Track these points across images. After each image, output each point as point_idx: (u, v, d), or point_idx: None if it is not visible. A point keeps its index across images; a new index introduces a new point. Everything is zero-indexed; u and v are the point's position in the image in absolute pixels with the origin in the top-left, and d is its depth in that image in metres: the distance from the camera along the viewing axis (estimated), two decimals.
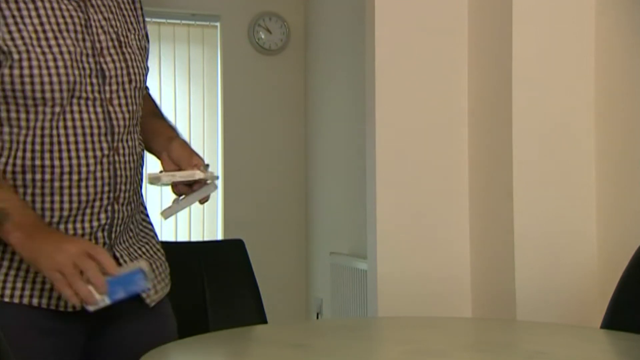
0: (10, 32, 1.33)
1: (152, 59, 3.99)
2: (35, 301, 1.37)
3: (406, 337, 1.54)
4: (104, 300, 1.25)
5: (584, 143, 2.20)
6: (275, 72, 4.22)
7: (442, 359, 1.33)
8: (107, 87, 1.44)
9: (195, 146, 4.06)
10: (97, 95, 1.42)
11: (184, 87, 4.07)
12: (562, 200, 2.18)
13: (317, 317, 3.92)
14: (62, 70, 1.36)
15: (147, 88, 1.66)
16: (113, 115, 1.45)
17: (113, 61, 1.45)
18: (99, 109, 1.43)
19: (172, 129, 1.62)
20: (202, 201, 1.46)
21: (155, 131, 1.60)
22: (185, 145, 1.53)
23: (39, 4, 1.36)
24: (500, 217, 2.22)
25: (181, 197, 1.47)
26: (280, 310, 3.42)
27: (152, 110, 1.65)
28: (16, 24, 1.34)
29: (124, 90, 1.47)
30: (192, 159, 1.47)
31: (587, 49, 2.19)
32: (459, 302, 2.38)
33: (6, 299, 1.36)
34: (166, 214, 1.44)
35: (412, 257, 2.38)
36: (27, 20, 1.35)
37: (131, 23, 1.53)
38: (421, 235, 2.39)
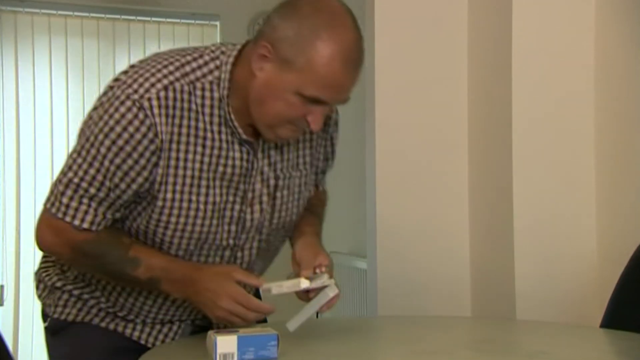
0: (167, 175, 1.32)
1: None
2: (111, 326, 1.48)
3: (406, 336, 1.54)
4: (232, 357, 1.23)
5: (583, 140, 2.20)
6: None
7: (442, 358, 1.33)
8: (243, 235, 1.42)
9: None
10: (230, 242, 1.41)
11: None
12: (561, 198, 2.18)
13: (317, 316, 3.92)
14: (199, 221, 1.36)
15: (322, 186, 1.66)
16: (239, 261, 1.45)
17: (261, 210, 1.42)
18: (226, 253, 1.43)
19: (309, 224, 1.54)
20: (323, 309, 1.38)
21: (297, 224, 1.54)
22: (311, 244, 1.45)
23: (207, 150, 1.34)
24: (500, 216, 2.22)
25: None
26: (279, 309, 3.42)
27: (309, 206, 1.58)
28: (176, 167, 1.32)
29: (260, 234, 1.44)
30: (314, 260, 1.39)
31: (586, 47, 2.19)
32: (458, 301, 2.38)
33: (87, 321, 1.49)
34: (291, 325, 1.37)
35: (412, 256, 2.38)
36: (189, 165, 1.33)
37: (303, 157, 1.48)
38: (421, 234, 2.39)
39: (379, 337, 1.61)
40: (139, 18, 4.00)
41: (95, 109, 1.34)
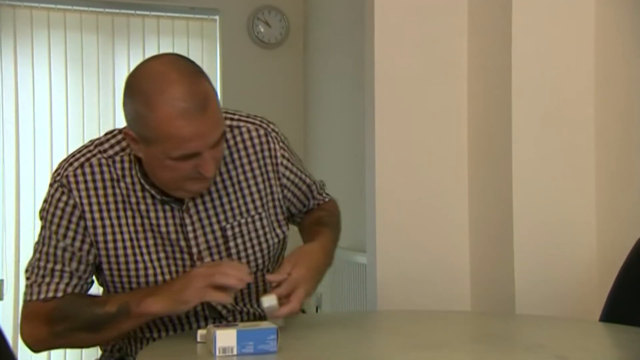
0: (107, 242, 1.44)
1: (151, 53, 3.98)
2: None
3: (405, 330, 1.55)
4: (232, 350, 1.24)
5: (583, 136, 2.20)
6: (275, 65, 4.22)
7: (441, 351, 1.34)
8: None
9: None
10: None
11: None
12: (561, 193, 2.18)
13: (317, 311, 3.93)
14: (151, 278, 1.45)
15: (323, 198, 1.70)
16: (223, 311, 1.52)
17: (212, 261, 1.47)
18: (199, 307, 1.48)
19: (320, 234, 1.56)
20: (275, 315, 1.39)
21: (307, 239, 1.60)
22: (304, 252, 1.46)
23: (136, 213, 1.44)
24: (500, 211, 2.23)
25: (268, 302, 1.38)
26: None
27: (317, 220, 1.64)
28: (113, 233, 1.44)
29: None
30: (286, 267, 1.40)
31: (586, 48, 2.19)
32: (458, 296, 2.38)
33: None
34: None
35: (411, 251, 2.38)
36: (125, 229, 1.44)
37: (252, 202, 1.51)
38: (420, 229, 2.39)
39: (378, 331, 1.61)
40: (138, 12, 3.99)
41: (43, 200, 1.48)
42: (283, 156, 1.56)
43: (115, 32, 3.95)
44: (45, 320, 1.40)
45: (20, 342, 4.16)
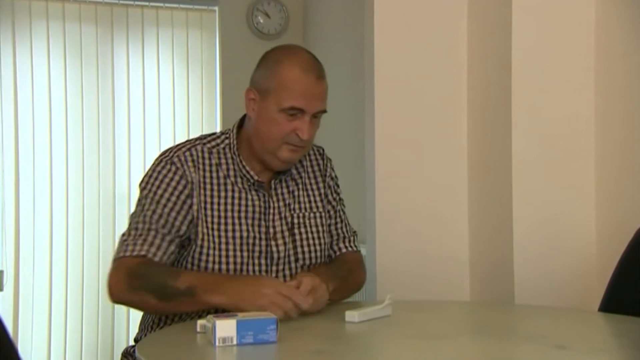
0: (203, 217, 1.63)
1: (151, 44, 3.99)
2: None
3: (405, 321, 1.55)
4: (232, 340, 1.25)
5: (583, 128, 2.19)
6: None
7: (441, 341, 1.34)
8: (274, 267, 1.67)
9: (194, 132, 4.01)
10: (264, 274, 1.66)
11: (182, 72, 4.05)
12: (561, 185, 2.18)
13: None
14: (230, 253, 1.62)
15: (356, 251, 1.89)
16: None
17: (284, 243, 1.69)
18: None
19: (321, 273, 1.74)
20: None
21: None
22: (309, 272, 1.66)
23: (229, 193, 1.67)
24: (499, 201, 2.23)
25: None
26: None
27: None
28: (205, 208, 1.64)
29: (290, 268, 1.70)
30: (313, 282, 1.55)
31: (586, 46, 2.18)
32: (457, 286, 2.39)
33: None
34: (354, 317, 1.49)
35: (411, 242, 2.38)
36: (216, 207, 1.65)
37: (315, 202, 1.79)
38: (420, 219, 2.39)
39: (378, 321, 1.62)
40: (137, 3, 3.98)
41: (145, 175, 1.68)
42: (331, 175, 1.88)
43: (114, 23, 3.94)
44: (127, 272, 1.55)
45: (20, 333, 4.13)
